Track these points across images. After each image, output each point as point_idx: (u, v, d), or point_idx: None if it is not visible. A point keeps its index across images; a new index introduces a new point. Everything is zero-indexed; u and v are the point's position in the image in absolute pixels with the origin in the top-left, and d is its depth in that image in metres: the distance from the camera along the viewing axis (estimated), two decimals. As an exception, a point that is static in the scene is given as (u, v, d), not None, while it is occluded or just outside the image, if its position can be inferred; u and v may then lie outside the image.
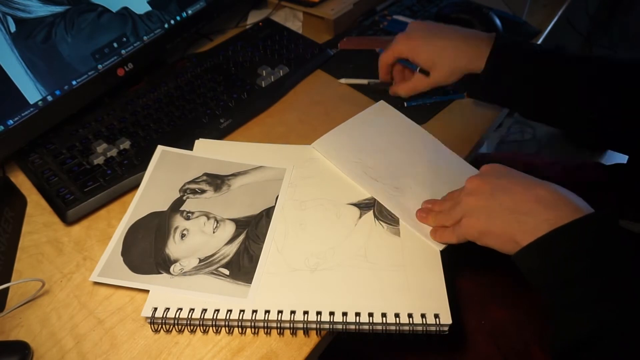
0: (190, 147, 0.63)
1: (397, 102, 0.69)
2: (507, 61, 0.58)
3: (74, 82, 0.64)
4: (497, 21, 0.81)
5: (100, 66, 0.67)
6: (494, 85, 0.60)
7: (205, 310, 0.46)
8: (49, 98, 0.62)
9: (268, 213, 0.55)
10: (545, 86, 0.57)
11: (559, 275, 0.39)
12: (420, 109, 0.69)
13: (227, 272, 0.49)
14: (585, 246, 0.38)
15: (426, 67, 0.63)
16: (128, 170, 0.61)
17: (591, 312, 0.36)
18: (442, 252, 0.51)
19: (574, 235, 0.38)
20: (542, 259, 0.40)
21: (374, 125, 0.65)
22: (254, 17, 0.91)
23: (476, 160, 0.77)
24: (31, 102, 0.61)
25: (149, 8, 0.70)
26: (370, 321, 0.45)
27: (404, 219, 0.53)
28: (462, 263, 0.60)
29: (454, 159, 0.61)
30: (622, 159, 0.67)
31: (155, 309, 0.46)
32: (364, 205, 0.55)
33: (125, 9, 0.67)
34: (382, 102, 0.69)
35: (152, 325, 0.47)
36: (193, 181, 0.59)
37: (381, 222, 0.53)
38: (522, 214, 0.41)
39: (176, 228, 0.54)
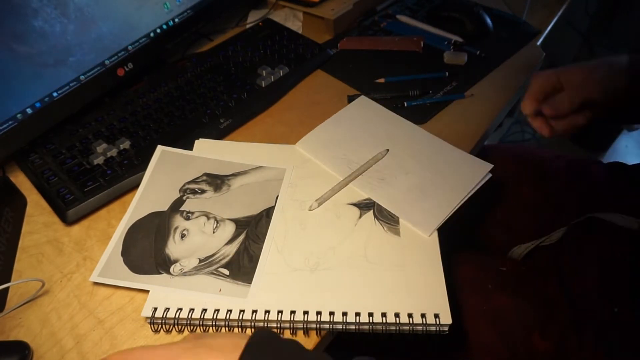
0: (190, 147, 0.63)
1: (395, 102, 0.70)
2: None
3: (73, 82, 0.64)
4: (488, 20, 0.82)
5: (100, 66, 0.67)
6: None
7: (205, 310, 0.46)
8: (48, 98, 0.62)
9: (268, 213, 0.55)
10: None
11: None
12: (420, 108, 0.69)
13: (227, 272, 0.49)
14: None
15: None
16: (128, 170, 0.61)
17: None
18: (440, 243, 0.51)
19: None
20: None
21: (356, 120, 0.66)
22: (254, 17, 0.91)
23: (482, 151, 0.77)
24: (31, 102, 0.61)
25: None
26: (370, 321, 0.45)
27: (391, 208, 0.54)
28: (464, 249, 0.60)
29: (435, 142, 0.62)
30: (621, 158, 0.67)
31: (155, 309, 0.46)
32: (364, 205, 0.55)
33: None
34: (362, 97, 0.70)
35: (152, 326, 0.47)
36: (193, 181, 0.59)
37: (381, 222, 0.53)
38: None
39: (176, 228, 0.54)
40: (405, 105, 0.70)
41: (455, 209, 0.53)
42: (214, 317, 0.46)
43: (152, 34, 0.72)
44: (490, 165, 0.58)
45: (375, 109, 0.67)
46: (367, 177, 0.58)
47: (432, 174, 0.57)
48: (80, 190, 0.58)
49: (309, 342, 0.46)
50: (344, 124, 0.65)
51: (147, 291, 0.48)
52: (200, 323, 0.46)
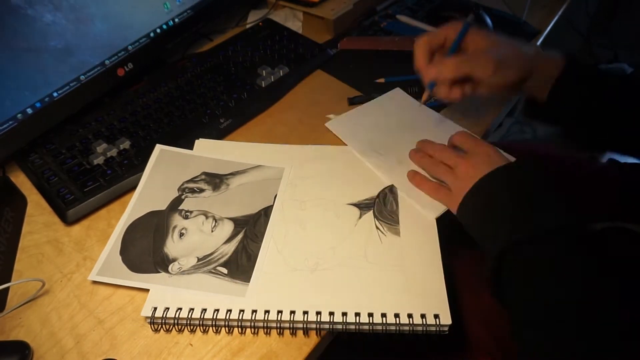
0: (190, 147, 0.63)
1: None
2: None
3: (73, 82, 0.64)
4: (488, 20, 0.81)
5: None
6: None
7: (205, 310, 0.46)
8: (48, 98, 0.62)
9: (266, 212, 0.55)
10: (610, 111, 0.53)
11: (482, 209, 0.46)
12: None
13: (225, 270, 0.49)
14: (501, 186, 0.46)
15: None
16: (128, 170, 0.61)
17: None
18: (440, 242, 0.52)
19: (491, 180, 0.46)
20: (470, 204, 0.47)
21: (389, 109, 0.68)
22: (254, 17, 0.91)
23: None
24: (31, 102, 0.61)
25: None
26: (370, 321, 0.45)
27: (400, 187, 0.56)
28: (457, 243, 0.60)
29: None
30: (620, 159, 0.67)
31: (155, 308, 0.46)
32: (364, 206, 0.55)
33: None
34: (397, 89, 0.71)
35: (152, 325, 0.47)
36: (192, 180, 0.59)
37: (381, 222, 0.53)
38: None
39: (175, 227, 0.54)
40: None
41: None
42: (214, 316, 0.46)
43: (152, 34, 0.72)
44: (512, 158, 0.55)
45: (408, 101, 0.69)
46: (386, 158, 0.60)
47: None
48: (80, 190, 0.58)
49: (309, 342, 0.46)
50: (376, 111, 0.68)
51: (147, 291, 0.48)
52: (200, 323, 0.46)
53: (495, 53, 0.51)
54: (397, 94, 0.70)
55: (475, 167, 0.49)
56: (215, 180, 0.59)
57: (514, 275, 0.42)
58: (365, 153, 0.60)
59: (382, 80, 0.74)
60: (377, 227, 0.53)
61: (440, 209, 0.54)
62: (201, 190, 0.58)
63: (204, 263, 0.50)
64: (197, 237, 0.53)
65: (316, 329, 0.45)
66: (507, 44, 0.52)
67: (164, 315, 0.46)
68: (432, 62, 0.53)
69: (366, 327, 0.45)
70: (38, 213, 0.59)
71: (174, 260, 0.51)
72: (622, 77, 0.55)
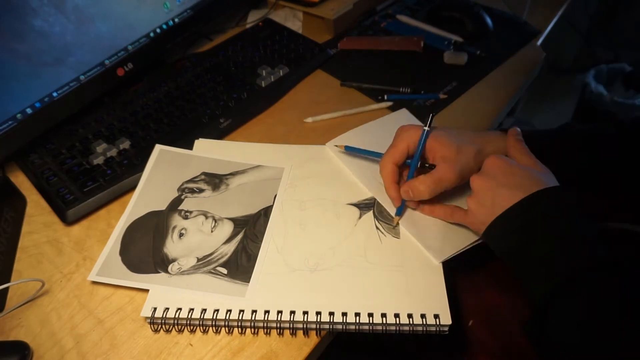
0: (190, 147, 0.63)
1: (377, 94, 0.69)
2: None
3: (73, 82, 0.64)
4: (488, 20, 0.82)
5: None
6: None
7: (204, 310, 0.46)
8: (48, 98, 0.62)
9: (266, 212, 0.55)
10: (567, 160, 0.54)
11: (519, 240, 0.44)
12: (421, 108, 0.69)
13: (225, 271, 0.49)
14: (543, 212, 0.43)
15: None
16: (128, 170, 0.61)
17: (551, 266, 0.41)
18: None
19: (530, 204, 0.43)
20: (504, 228, 0.45)
21: (392, 130, 0.60)
22: (254, 17, 0.91)
23: None
24: (31, 102, 0.61)
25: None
26: (370, 321, 0.45)
27: (405, 225, 0.53)
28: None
29: None
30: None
31: (155, 308, 0.46)
32: (364, 206, 0.55)
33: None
34: (404, 109, 0.67)
35: (151, 325, 0.47)
36: (191, 180, 0.59)
37: (381, 223, 0.53)
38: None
39: (174, 227, 0.54)
40: (386, 98, 0.69)
41: (477, 242, 0.51)
42: (214, 317, 0.46)
43: (152, 34, 0.72)
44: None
45: (414, 123, 0.63)
46: None
47: (454, 194, 0.54)
48: (80, 190, 0.58)
49: (309, 342, 0.46)
50: (378, 132, 0.62)
51: (147, 291, 0.48)
52: (200, 323, 0.46)
53: (457, 162, 0.50)
54: (403, 114, 0.66)
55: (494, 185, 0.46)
56: (215, 181, 0.59)
57: (571, 314, 0.40)
58: (367, 181, 0.57)
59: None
60: (377, 228, 0.53)
61: (448, 252, 0.50)
62: (201, 191, 0.58)
63: (204, 263, 0.50)
64: (197, 237, 0.53)
65: (316, 329, 0.45)
66: (465, 144, 0.51)
67: (164, 316, 0.46)
68: (403, 185, 0.52)
69: (366, 327, 0.45)
70: (38, 213, 0.59)
71: (173, 260, 0.51)
72: (561, 131, 0.56)
